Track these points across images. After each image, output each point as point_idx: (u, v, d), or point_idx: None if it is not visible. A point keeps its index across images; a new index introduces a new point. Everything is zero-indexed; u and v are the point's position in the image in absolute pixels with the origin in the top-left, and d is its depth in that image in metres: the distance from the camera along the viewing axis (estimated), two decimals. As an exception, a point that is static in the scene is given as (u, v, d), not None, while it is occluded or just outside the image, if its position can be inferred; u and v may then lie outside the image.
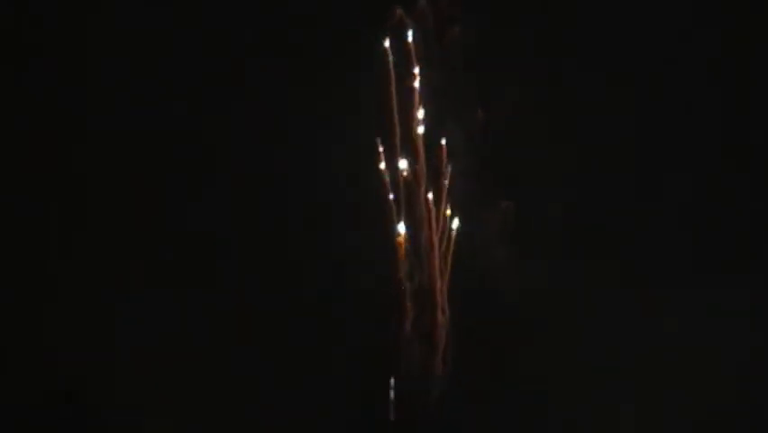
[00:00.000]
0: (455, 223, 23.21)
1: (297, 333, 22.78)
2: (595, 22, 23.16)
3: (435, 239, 23.08)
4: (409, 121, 23.16)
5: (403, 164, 23.14)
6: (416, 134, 23.19)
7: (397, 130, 23.12)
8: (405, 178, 23.20)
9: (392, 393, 22.93)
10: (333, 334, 22.76)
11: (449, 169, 23.16)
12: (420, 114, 23.21)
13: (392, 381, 22.94)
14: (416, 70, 23.25)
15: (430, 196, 23.22)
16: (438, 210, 23.20)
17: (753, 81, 23.20)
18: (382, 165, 23.07)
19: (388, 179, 23.08)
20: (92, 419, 22.25)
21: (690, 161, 23.11)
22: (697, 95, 23.06)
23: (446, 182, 23.17)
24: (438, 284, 23.01)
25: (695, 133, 23.17)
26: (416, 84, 23.18)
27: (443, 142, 23.20)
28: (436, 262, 23.05)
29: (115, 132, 23.01)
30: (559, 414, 22.63)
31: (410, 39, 23.20)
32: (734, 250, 22.91)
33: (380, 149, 23.04)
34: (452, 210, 23.25)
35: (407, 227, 23.15)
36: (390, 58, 23.08)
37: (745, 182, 23.12)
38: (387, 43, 23.09)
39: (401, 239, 23.03)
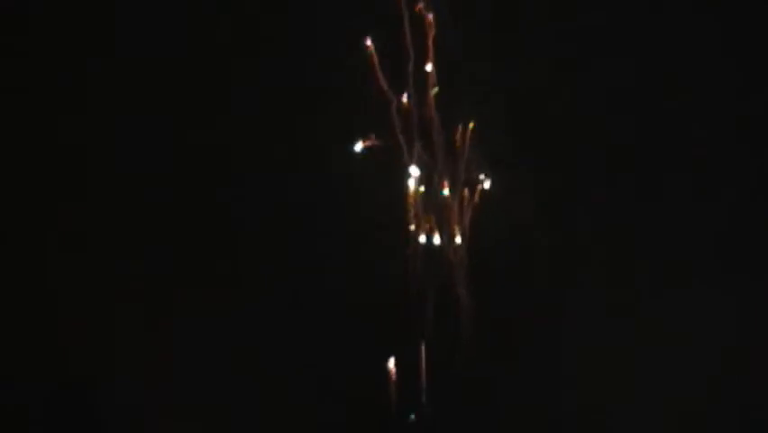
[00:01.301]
0: (485, 183, 22.41)
1: (300, 335, 22.77)
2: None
3: (457, 233, 22.52)
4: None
5: (416, 171, 22.70)
6: (432, 113, 22.43)
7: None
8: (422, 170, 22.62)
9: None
10: (345, 341, 22.75)
11: (467, 158, 22.49)
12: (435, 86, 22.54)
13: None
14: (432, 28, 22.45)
15: (446, 192, 22.77)
16: (455, 203, 22.56)
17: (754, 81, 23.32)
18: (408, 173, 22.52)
19: (409, 183, 22.60)
20: (95, 418, 22.27)
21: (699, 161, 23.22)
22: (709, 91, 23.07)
23: (464, 172, 22.52)
24: (461, 282, 22.46)
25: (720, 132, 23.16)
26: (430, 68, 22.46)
27: (461, 126, 22.49)
28: (461, 258, 22.53)
29: (116, 131, 22.94)
30: (562, 412, 22.74)
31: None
32: (735, 250, 23.08)
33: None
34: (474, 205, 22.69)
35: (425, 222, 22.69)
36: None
37: (748, 183, 23.27)
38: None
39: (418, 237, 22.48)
